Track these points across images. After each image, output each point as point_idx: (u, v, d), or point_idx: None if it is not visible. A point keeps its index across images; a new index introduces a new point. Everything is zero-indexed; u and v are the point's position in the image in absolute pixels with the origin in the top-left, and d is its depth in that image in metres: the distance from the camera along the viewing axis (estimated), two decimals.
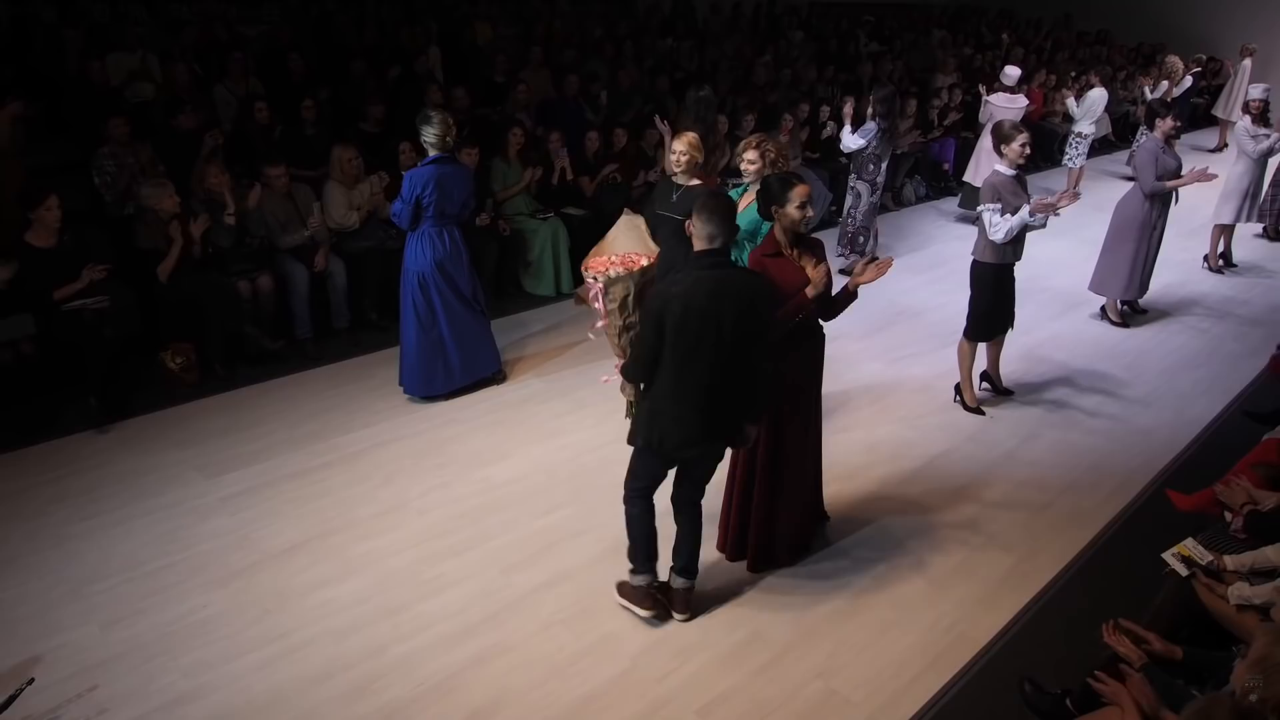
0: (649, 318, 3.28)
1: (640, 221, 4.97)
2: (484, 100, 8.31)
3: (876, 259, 3.81)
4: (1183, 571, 3.26)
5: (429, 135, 4.93)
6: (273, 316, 5.96)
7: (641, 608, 3.72)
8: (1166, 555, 3.31)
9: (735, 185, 8.14)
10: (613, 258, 4.78)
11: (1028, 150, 4.98)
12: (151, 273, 5.43)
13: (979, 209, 5.09)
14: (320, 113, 7.06)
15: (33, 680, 3.09)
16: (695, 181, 4.83)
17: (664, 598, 3.75)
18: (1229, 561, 3.31)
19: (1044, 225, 4.92)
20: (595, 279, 4.62)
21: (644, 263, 4.70)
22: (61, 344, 5.02)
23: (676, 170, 4.86)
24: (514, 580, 4.00)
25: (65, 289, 5.00)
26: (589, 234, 7.25)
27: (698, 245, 3.32)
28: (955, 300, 6.27)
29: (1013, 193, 5.00)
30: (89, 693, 3.33)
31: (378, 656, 3.54)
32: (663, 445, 3.39)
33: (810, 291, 3.54)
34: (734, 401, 3.39)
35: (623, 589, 3.78)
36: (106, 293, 5.10)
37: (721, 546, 4.16)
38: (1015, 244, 5.12)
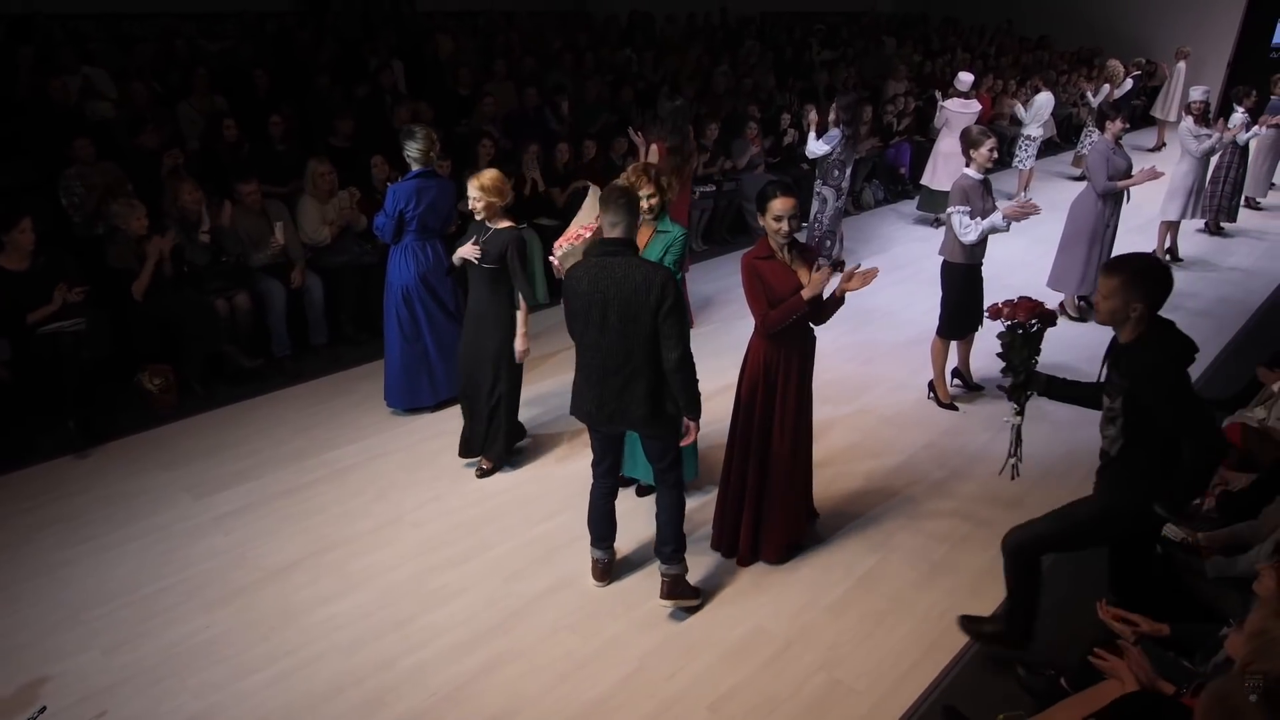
0: (562, 294, 3.57)
1: (598, 191, 4.86)
2: (449, 114, 8.33)
3: (843, 263, 3.94)
4: (1158, 549, 3.45)
5: (412, 150, 4.97)
6: (250, 334, 5.92)
7: (592, 576, 4.06)
8: None
9: (702, 194, 8.24)
10: (577, 231, 4.73)
11: (995, 155, 5.18)
12: (124, 293, 5.37)
13: (948, 211, 5.28)
14: (288, 129, 7.02)
15: (44, 708, 3.06)
16: (504, 224, 4.54)
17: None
18: (1204, 539, 3.50)
19: (1008, 229, 5.12)
20: (553, 257, 4.68)
21: (587, 234, 4.59)
22: (37, 368, 4.94)
23: (476, 214, 4.53)
24: (516, 589, 4.05)
25: (39, 312, 4.92)
26: None
27: (604, 232, 3.56)
28: (920, 300, 6.49)
29: (980, 196, 5.19)
30: (99, 718, 3.30)
31: (388, 669, 3.56)
32: (574, 412, 3.71)
33: (806, 293, 3.66)
34: (629, 387, 3.51)
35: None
36: (80, 314, 5.04)
37: (716, 544, 4.26)
38: (981, 245, 5.33)
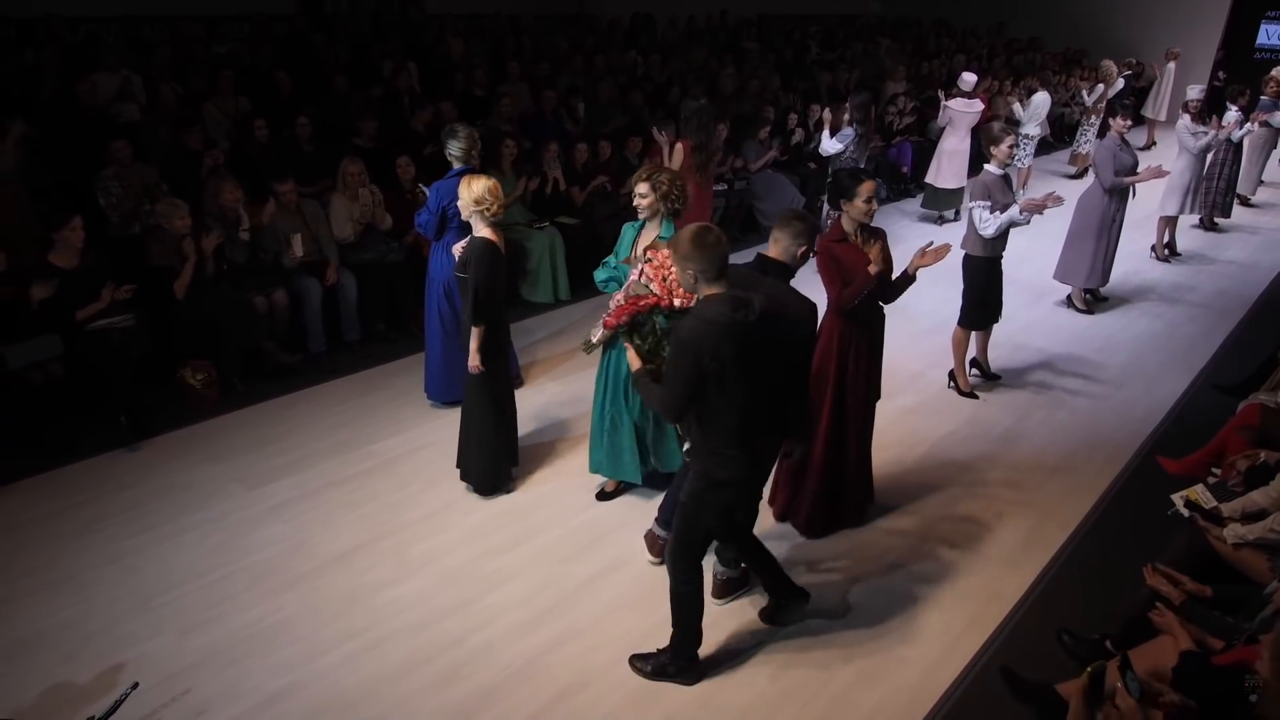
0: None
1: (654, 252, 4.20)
2: (466, 114, 8.45)
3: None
4: (1184, 512, 3.63)
5: (454, 149, 5.10)
6: (287, 331, 6.03)
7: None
8: (1175, 497, 3.68)
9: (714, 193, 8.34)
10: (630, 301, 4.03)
11: (1015, 151, 5.37)
12: (164, 292, 5.47)
13: (969, 206, 5.47)
14: (314, 130, 7.14)
15: (137, 685, 3.17)
16: (484, 232, 4.33)
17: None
18: (1224, 508, 3.70)
19: (1028, 222, 5.30)
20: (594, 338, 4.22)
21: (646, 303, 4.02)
22: (88, 365, 5.03)
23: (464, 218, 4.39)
24: (570, 570, 4.19)
25: (88, 309, 5.02)
26: (582, 242, 7.51)
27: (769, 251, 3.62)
28: (930, 295, 6.68)
29: (1001, 191, 5.39)
30: (183, 696, 3.42)
31: (458, 646, 3.70)
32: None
33: (872, 269, 3.86)
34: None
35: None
36: (128, 312, 5.14)
37: (785, 517, 4.48)
38: (1000, 238, 5.52)
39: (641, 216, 4.25)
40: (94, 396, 5.13)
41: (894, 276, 4.15)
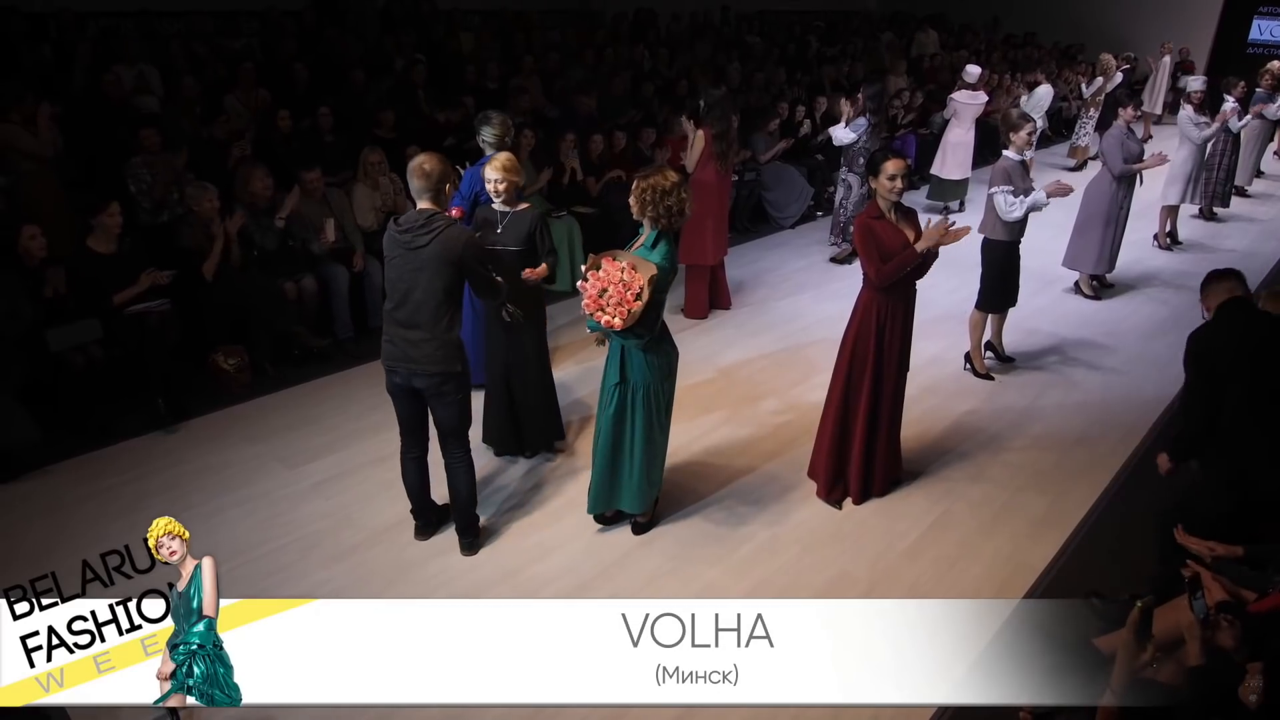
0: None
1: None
2: (481, 108, 8.54)
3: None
4: None
5: (487, 135, 5.19)
6: (316, 317, 6.12)
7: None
8: None
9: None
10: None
11: (1034, 138, 5.51)
12: (196, 277, 5.56)
13: (991, 191, 5.60)
14: (335, 121, 7.23)
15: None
16: (523, 206, 4.57)
17: None
18: None
19: (1049, 203, 5.45)
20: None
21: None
22: (126, 348, 5.12)
23: (495, 198, 4.50)
24: (609, 540, 4.32)
25: (125, 293, 5.11)
26: (599, 231, 7.62)
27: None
28: (941, 281, 6.82)
29: (1021, 176, 5.53)
30: None
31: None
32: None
33: (921, 245, 4.03)
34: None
35: None
36: (165, 297, 5.24)
37: (826, 493, 4.61)
38: (1020, 222, 5.66)
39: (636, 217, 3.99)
40: (132, 380, 5.21)
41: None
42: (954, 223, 4.26)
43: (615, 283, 3.73)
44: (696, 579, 4.05)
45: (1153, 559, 3.74)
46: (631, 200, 3.95)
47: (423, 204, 3.77)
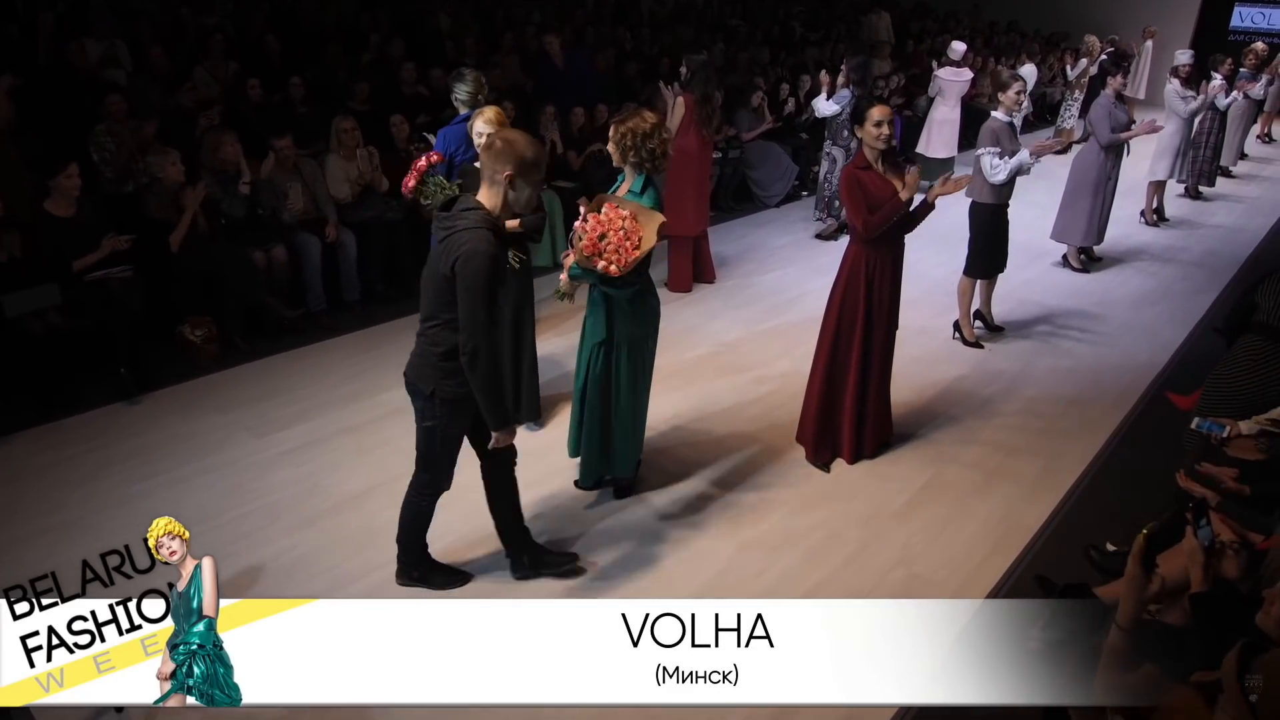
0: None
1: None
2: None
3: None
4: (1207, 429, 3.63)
5: (461, 93, 5.02)
6: (287, 289, 5.94)
7: None
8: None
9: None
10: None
11: (1023, 98, 5.40)
12: (162, 246, 5.36)
13: (978, 153, 5.49)
14: (308, 91, 7.05)
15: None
16: None
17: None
18: (1243, 426, 3.70)
19: (1036, 163, 5.34)
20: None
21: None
22: (88, 316, 4.92)
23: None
24: (593, 509, 4.16)
25: (86, 258, 4.92)
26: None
27: None
28: (927, 255, 6.78)
29: (1009, 138, 5.41)
30: None
31: (485, 575, 3.65)
32: None
33: (904, 194, 3.88)
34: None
35: None
36: (127, 263, 5.04)
37: (814, 457, 4.48)
38: (1008, 185, 5.55)
39: (616, 164, 3.91)
40: (94, 350, 5.01)
41: (912, 207, 4.17)
42: (952, 173, 4.15)
43: (616, 229, 3.58)
44: (689, 544, 3.90)
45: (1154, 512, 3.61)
46: (610, 147, 3.82)
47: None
